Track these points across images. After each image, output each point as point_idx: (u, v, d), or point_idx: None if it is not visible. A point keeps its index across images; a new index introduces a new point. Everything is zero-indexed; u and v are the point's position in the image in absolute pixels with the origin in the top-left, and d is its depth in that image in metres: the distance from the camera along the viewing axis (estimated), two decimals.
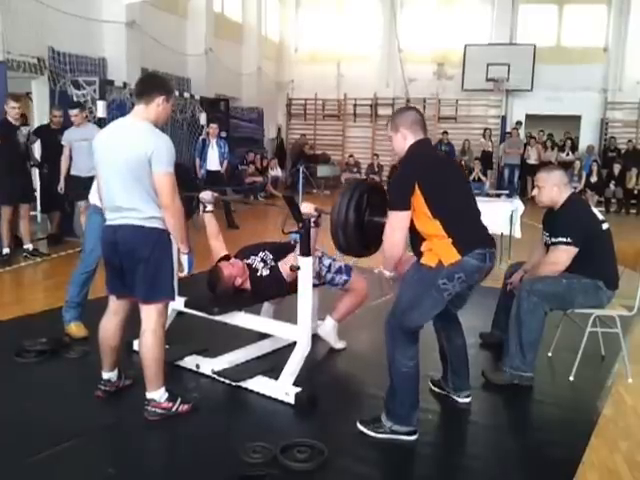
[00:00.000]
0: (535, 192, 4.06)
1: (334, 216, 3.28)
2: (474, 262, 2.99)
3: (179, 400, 3.33)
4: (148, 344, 3.23)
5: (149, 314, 3.24)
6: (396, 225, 3.00)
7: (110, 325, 3.41)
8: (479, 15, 16.77)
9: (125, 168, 3.08)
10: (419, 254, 3.08)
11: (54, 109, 8.03)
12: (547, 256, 3.95)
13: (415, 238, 3.10)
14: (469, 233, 3.06)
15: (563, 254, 3.83)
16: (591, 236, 3.84)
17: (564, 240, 3.80)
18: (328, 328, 4.38)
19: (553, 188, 3.93)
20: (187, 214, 4.12)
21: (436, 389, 3.67)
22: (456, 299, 3.19)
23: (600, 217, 3.99)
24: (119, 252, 3.19)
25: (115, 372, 3.56)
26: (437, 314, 3.27)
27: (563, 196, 3.94)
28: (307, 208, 3.77)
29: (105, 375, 3.52)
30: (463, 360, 3.56)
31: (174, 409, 3.30)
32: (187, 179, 4.42)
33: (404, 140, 3.12)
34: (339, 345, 4.43)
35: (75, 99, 8.97)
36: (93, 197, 4.45)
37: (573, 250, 3.79)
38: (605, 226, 3.94)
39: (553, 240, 3.88)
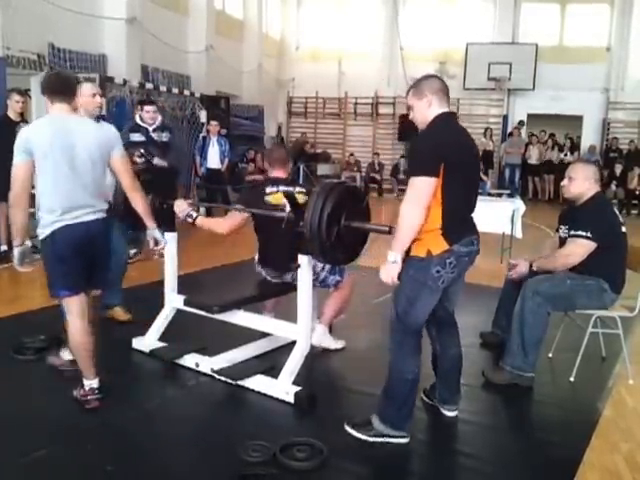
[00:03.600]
0: (565, 182, 3.98)
1: (307, 234, 3.19)
2: (462, 248, 2.92)
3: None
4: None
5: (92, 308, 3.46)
6: (420, 193, 2.75)
7: (83, 329, 3.31)
8: (481, 14, 16.70)
9: (98, 163, 3.29)
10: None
11: None
12: (563, 247, 3.91)
13: None
14: (460, 225, 2.96)
15: (580, 248, 3.79)
16: (611, 235, 3.82)
17: (584, 234, 3.76)
18: (320, 335, 4.25)
19: (585, 181, 3.89)
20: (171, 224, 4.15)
21: (425, 399, 3.53)
22: (449, 290, 3.11)
23: (621, 219, 3.97)
24: (94, 247, 3.29)
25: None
26: (433, 318, 3.22)
27: (591, 192, 3.90)
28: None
29: (94, 383, 3.34)
30: (455, 372, 3.36)
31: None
32: (172, 186, 4.39)
33: (428, 107, 2.90)
34: (338, 345, 4.40)
35: None
36: None
37: (591, 245, 3.76)
38: (624, 229, 3.92)
39: (572, 233, 3.83)
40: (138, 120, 6.59)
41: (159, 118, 6.78)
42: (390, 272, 2.89)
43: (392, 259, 2.86)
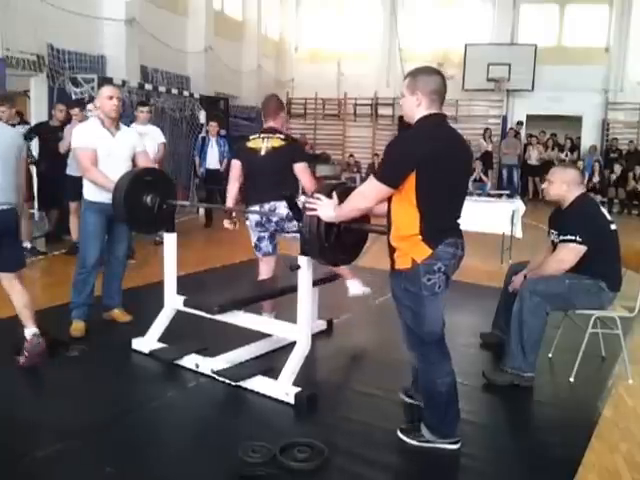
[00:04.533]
0: (545, 185, 4.05)
1: (307, 235, 3.19)
2: (447, 249, 2.82)
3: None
4: (23, 291, 3.85)
5: (19, 279, 3.85)
6: (371, 195, 2.85)
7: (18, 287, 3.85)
8: (480, 14, 16.70)
9: (16, 159, 3.76)
10: (391, 257, 2.92)
11: (59, 104, 7.95)
12: (554, 253, 3.92)
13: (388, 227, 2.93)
14: (440, 228, 2.84)
15: (571, 252, 3.80)
16: (599, 236, 3.83)
17: (573, 238, 3.77)
18: (355, 286, 4.59)
19: (562, 185, 3.91)
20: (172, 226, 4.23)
21: (407, 399, 3.51)
22: None
23: (609, 217, 3.98)
24: None
25: None
26: None
27: (572, 195, 3.91)
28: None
29: (35, 329, 3.81)
30: None
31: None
32: (172, 186, 4.43)
33: (417, 107, 2.83)
34: (366, 290, 4.64)
35: (74, 97, 8.94)
36: (87, 192, 4.43)
37: (581, 249, 3.77)
38: (613, 227, 3.93)
39: (562, 238, 3.84)
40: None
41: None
42: (322, 211, 3.04)
43: (331, 213, 3.04)
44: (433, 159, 2.74)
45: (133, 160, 4.53)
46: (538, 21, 16.25)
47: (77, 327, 4.37)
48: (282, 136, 4.34)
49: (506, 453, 3.14)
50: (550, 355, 4.30)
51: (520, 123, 15.99)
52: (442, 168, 2.77)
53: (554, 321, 4.15)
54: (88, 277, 4.42)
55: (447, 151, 2.82)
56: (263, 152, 4.29)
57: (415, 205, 2.77)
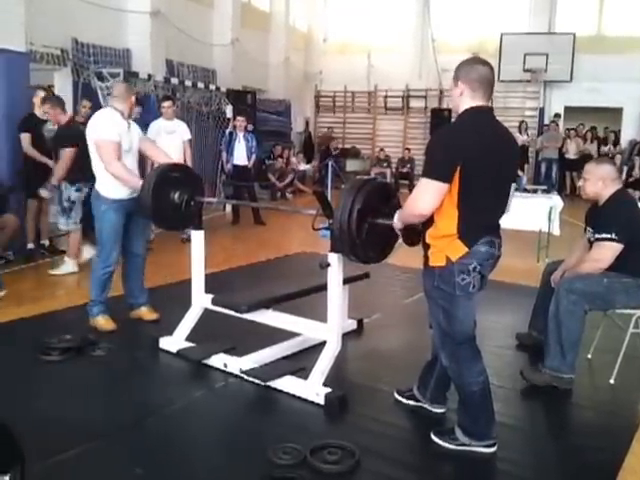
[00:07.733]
0: (581, 183, 3.95)
1: (337, 232, 3.14)
2: (483, 248, 2.74)
3: None
4: None
5: None
6: (425, 196, 2.68)
7: None
8: (516, 2, 16.35)
9: None
10: (425, 253, 2.85)
11: (85, 100, 7.95)
12: (590, 252, 3.82)
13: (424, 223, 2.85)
14: (479, 226, 2.76)
15: (608, 251, 3.69)
16: (637, 232, 3.70)
17: (609, 236, 3.67)
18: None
19: (598, 182, 3.80)
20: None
21: (406, 401, 3.46)
22: None
23: None
24: None
25: None
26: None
27: (608, 191, 3.80)
28: None
29: None
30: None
31: None
32: (200, 183, 4.38)
33: (460, 96, 2.76)
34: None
35: (99, 91, 8.92)
36: (106, 190, 4.34)
37: (618, 247, 3.66)
38: None
39: (597, 236, 3.74)
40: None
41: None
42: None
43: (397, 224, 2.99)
44: (478, 153, 2.66)
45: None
46: (576, 9, 15.80)
47: (107, 322, 4.37)
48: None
49: (544, 457, 3.06)
50: (589, 356, 4.18)
51: (557, 115, 15.61)
52: (487, 163, 2.69)
53: (593, 321, 4.03)
54: (111, 276, 4.43)
55: (492, 145, 2.73)
56: None
57: (455, 203, 2.69)
